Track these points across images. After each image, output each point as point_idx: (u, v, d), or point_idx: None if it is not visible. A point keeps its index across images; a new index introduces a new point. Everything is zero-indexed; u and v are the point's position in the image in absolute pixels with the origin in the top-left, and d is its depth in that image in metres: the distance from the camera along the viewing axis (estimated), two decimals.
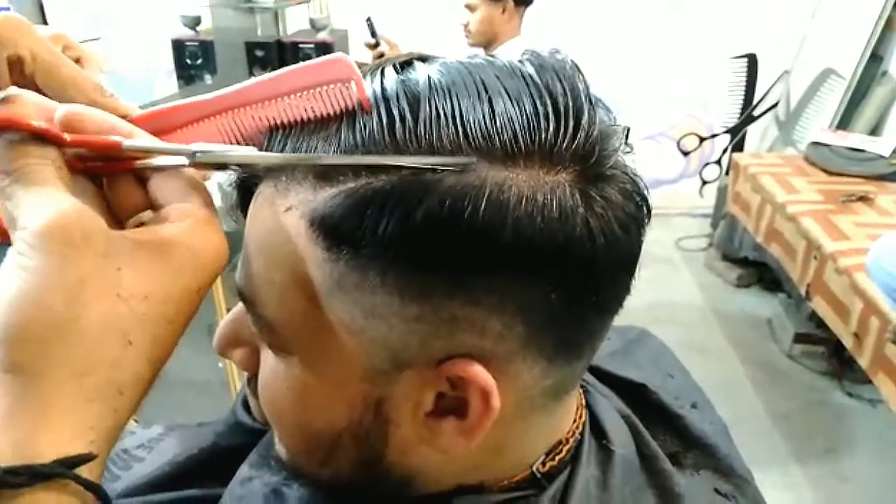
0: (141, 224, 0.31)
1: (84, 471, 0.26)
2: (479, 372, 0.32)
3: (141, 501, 0.50)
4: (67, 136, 0.29)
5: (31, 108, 0.28)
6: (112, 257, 0.27)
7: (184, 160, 0.31)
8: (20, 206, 0.27)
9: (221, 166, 0.32)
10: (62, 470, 0.26)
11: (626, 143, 0.34)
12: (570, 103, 0.31)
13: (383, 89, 0.32)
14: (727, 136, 3.19)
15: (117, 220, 0.32)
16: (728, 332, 2.65)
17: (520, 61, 0.34)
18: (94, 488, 0.27)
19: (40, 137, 0.28)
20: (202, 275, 0.30)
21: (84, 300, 0.26)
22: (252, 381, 0.38)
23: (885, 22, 2.67)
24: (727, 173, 2.88)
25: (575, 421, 0.42)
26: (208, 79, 2.60)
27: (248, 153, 0.32)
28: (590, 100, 0.32)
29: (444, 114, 0.30)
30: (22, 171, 0.27)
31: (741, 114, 3.16)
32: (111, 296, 0.27)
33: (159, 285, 0.28)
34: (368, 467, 0.37)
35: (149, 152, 0.31)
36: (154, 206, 0.31)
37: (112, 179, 0.32)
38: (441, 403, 0.34)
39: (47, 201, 0.27)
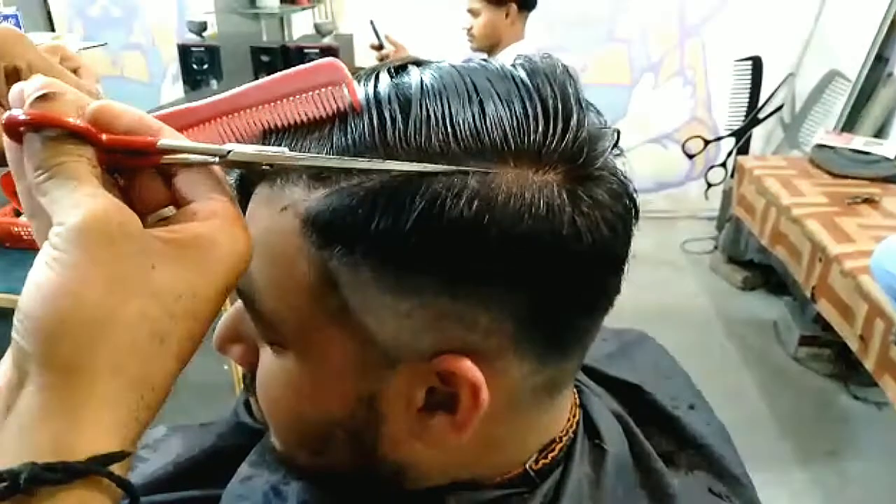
0: (162, 220, 0.31)
1: (116, 468, 0.26)
2: (468, 367, 0.32)
3: (145, 502, 0.51)
4: (104, 137, 0.29)
5: (71, 105, 0.28)
6: (147, 255, 0.27)
7: (212, 157, 0.31)
8: (57, 203, 0.27)
9: (245, 166, 0.32)
10: (99, 467, 0.25)
11: (616, 146, 0.35)
12: (560, 105, 0.32)
13: (376, 92, 0.32)
14: (732, 139, 3.18)
15: (138, 214, 0.32)
16: (733, 335, 2.65)
17: (512, 65, 0.35)
18: (126, 486, 0.27)
19: (77, 135, 0.28)
20: (230, 273, 0.29)
21: (120, 297, 0.26)
22: (249, 378, 0.39)
23: (890, 23, 2.66)
24: (732, 176, 2.88)
25: (569, 420, 0.42)
26: (214, 84, 2.62)
27: (281, 153, 0.32)
28: (580, 103, 0.33)
29: (435, 115, 0.31)
30: (59, 169, 0.27)
31: (746, 116, 3.15)
32: (146, 294, 0.27)
33: (190, 284, 0.28)
34: (361, 460, 0.37)
35: (182, 150, 0.31)
36: (179, 202, 0.31)
37: (135, 174, 0.31)
38: (432, 398, 0.34)
39: (85, 198, 0.27)
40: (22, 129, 0.28)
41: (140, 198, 0.31)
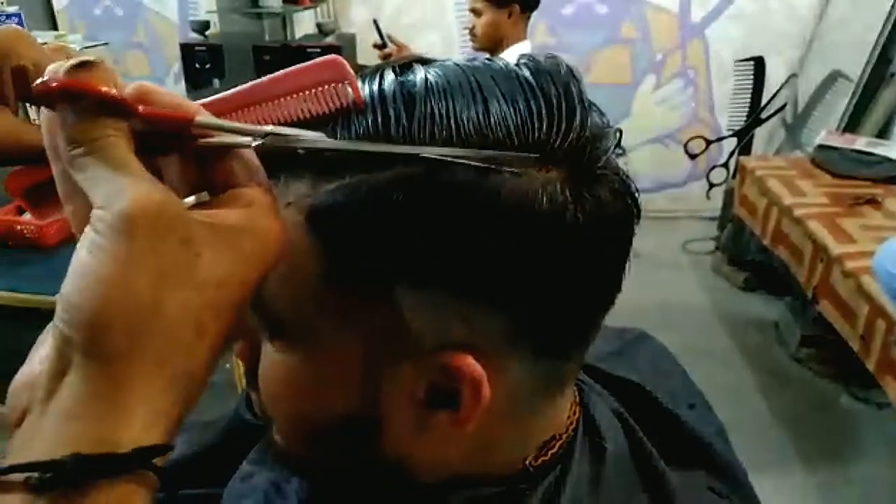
0: (196, 205, 0.30)
1: (157, 461, 0.26)
2: (470, 363, 0.33)
3: None
4: (141, 109, 0.27)
5: (110, 75, 0.27)
6: (191, 244, 0.27)
7: (248, 141, 0.30)
8: (97, 183, 0.26)
9: (279, 150, 0.31)
10: (142, 460, 0.25)
11: (618, 146, 0.35)
12: (564, 104, 0.32)
13: (381, 90, 0.33)
14: (734, 140, 3.18)
15: None
16: (735, 335, 2.65)
17: (517, 65, 0.35)
18: (167, 479, 0.26)
19: (113, 108, 0.27)
20: (266, 263, 0.29)
21: (166, 287, 0.26)
22: (251, 374, 0.39)
23: (893, 24, 2.66)
24: (734, 176, 2.88)
25: (569, 418, 0.42)
26: (216, 83, 2.62)
27: (319, 138, 0.31)
28: (583, 102, 0.33)
29: (439, 113, 0.31)
30: (98, 144, 0.26)
31: (748, 117, 3.15)
32: (190, 284, 0.26)
33: (231, 273, 0.27)
34: (362, 456, 0.37)
35: (220, 129, 0.30)
36: (214, 187, 0.30)
37: (168, 157, 0.31)
38: (434, 394, 0.34)
39: (131, 182, 0.26)
40: (55, 97, 0.27)
41: (173, 182, 0.30)
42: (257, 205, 0.29)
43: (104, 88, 0.26)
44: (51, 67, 0.28)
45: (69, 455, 0.24)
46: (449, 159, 0.30)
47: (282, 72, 0.34)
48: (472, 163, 0.30)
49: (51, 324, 0.29)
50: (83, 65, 0.26)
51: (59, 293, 0.26)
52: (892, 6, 2.64)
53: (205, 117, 0.29)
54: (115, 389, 0.25)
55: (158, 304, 0.26)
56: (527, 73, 0.34)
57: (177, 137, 0.29)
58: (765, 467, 1.79)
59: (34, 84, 0.27)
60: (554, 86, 0.33)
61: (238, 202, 0.29)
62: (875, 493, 1.93)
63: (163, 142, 0.29)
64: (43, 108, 0.28)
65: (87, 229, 0.26)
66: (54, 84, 0.26)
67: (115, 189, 0.26)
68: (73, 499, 0.24)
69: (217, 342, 0.28)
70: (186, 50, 2.66)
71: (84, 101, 0.26)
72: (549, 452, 0.41)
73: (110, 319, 0.25)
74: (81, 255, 0.26)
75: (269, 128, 0.30)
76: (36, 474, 0.24)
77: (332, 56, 0.34)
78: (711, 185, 3.24)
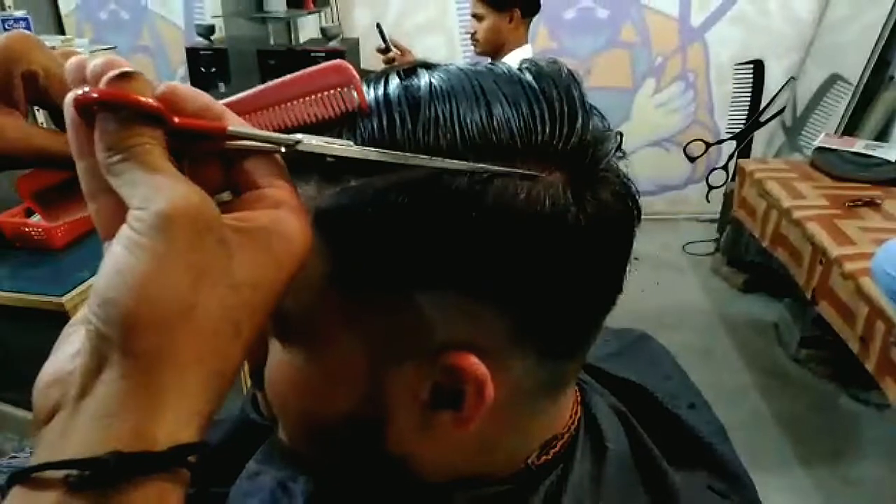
0: (220, 205, 0.30)
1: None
2: (473, 362, 0.33)
3: None
4: (176, 120, 0.28)
5: (148, 86, 0.28)
6: (225, 245, 0.27)
7: (277, 149, 0.31)
8: (134, 185, 0.26)
9: (306, 157, 0.32)
10: (180, 458, 0.25)
11: (619, 149, 0.36)
12: (566, 108, 0.33)
13: (386, 94, 0.33)
14: (733, 142, 3.19)
15: None
16: (734, 337, 2.65)
17: (519, 69, 0.35)
18: (202, 477, 0.26)
19: (150, 116, 0.27)
20: (295, 263, 0.29)
21: (204, 287, 0.26)
22: (257, 374, 0.40)
23: (892, 27, 2.66)
24: (733, 179, 2.88)
25: (571, 417, 0.43)
26: (222, 87, 2.63)
27: (347, 147, 0.32)
28: (584, 106, 0.34)
29: (443, 116, 0.32)
30: (136, 151, 0.27)
31: (747, 120, 3.16)
32: (226, 284, 0.26)
33: (263, 275, 0.28)
34: (367, 455, 0.38)
35: (252, 138, 0.30)
36: (241, 187, 0.31)
37: (197, 158, 0.31)
38: (437, 394, 0.35)
39: (169, 184, 0.26)
40: (96, 107, 0.27)
41: (198, 182, 0.30)
42: (285, 206, 0.29)
43: (142, 99, 0.27)
44: (71, 65, 0.29)
45: (109, 453, 0.24)
46: (462, 169, 0.31)
47: (289, 76, 0.34)
48: (500, 170, 0.31)
49: (73, 321, 0.29)
50: (123, 76, 0.27)
51: (93, 288, 0.26)
52: (892, 9, 2.65)
53: (237, 126, 0.30)
54: (152, 387, 0.25)
55: (197, 302, 0.26)
56: (529, 77, 0.34)
57: (205, 138, 0.30)
58: (764, 468, 1.80)
59: (75, 95, 0.27)
60: (556, 89, 0.34)
61: (264, 203, 0.29)
62: (874, 493, 1.93)
63: (191, 144, 0.30)
64: (68, 108, 0.28)
65: (124, 228, 0.26)
66: (95, 94, 0.27)
67: (154, 190, 0.26)
68: (111, 497, 0.24)
69: (250, 343, 0.28)
70: (192, 54, 2.67)
71: (123, 111, 0.27)
72: (551, 452, 0.41)
73: (149, 317, 0.25)
74: (118, 253, 0.25)
75: (299, 136, 0.31)
76: (75, 472, 0.24)
77: (339, 61, 0.34)
78: (711, 188, 3.25)
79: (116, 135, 0.27)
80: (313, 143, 0.31)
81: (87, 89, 0.27)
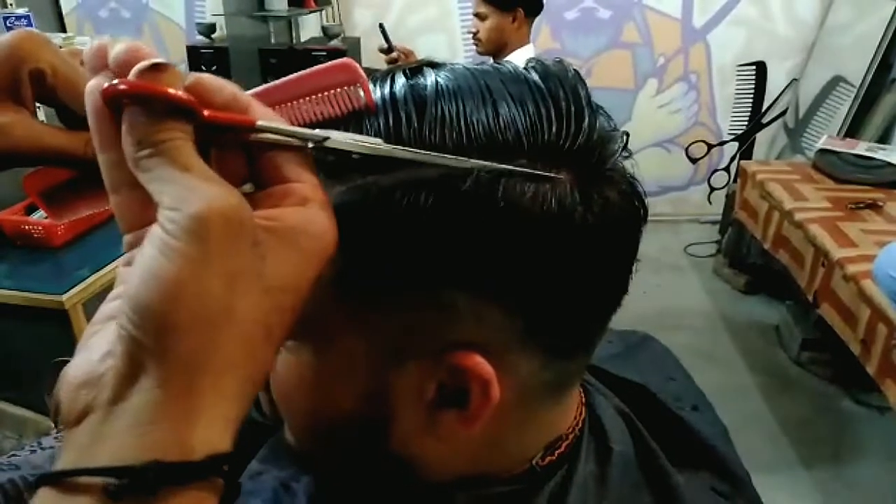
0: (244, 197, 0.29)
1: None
2: (479, 362, 0.33)
3: None
4: (206, 113, 0.27)
5: (179, 78, 0.27)
6: (259, 247, 0.26)
7: (305, 145, 0.30)
8: (166, 184, 0.26)
9: (334, 154, 0.31)
10: (217, 467, 0.25)
11: (625, 149, 0.36)
12: (572, 107, 0.33)
13: (392, 93, 0.33)
14: (735, 144, 3.19)
15: None
16: (736, 339, 2.65)
17: (525, 68, 0.35)
18: (238, 486, 0.26)
19: (180, 110, 0.26)
20: (323, 261, 0.29)
21: (238, 292, 0.25)
22: None
23: (894, 29, 2.66)
24: (735, 180, 2.88)
25: (575, 418, 0.43)
26: None
27: (376, 144, 0.31)
28: (591, 105, 0.34)
29: (449, 115, 0.32)
30: (167, 146, 0.26)
31: (750, 121, 3.16)
32: (259, 288, 0.26)
33: (293, 275, 0.27)
34: (371, 454, 0.38)
35: (281, 133, 0.30)
36: (266, 181, 0.30)
37: (221, 150, 0.30)
38: (442, 393, 0.35)
39: (203, 185, 0.26)
40: (126, 100, 0.26)
41: (223, 174, 0.29)
42: (312, 202, 0.29)
43: (176, 93, 0.26)
44: (91, 51, 0.28)
45: (148, 462, 0.24)
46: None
47: (296, 74, 0.34)
48: (518, 169, 0.31)
49: (95, 320, 0.29)
50: (154, 67, 0.26)
51: (125, 292, 0.25)
52: (894, 12, 2.65)
53: (266, 121, 0.29)
54: (189, 396, 0.25)
55: (232, 307, 0.25)
56: (535, 76, 0.34)
57: (231, 130, 0.29)
58: (765, 470, 1.79)
59: (104, 87, 0.27)
60: (562, 89, 0.33)
61: (291, 199, 0.29)
62: (876, 496, 1.93)
63: (218, 135, 0.29)
64: (89, 99, 0.27)
65: (156, 229, 0.25)
66: (124, 87, 0.26)
67: (187, 190, 0.25)
68: None
69: (279, 346, 0.28)
70: (193, 52, 2.68)
71: (153, 104, 0.26)
72: (556, 452, 0.41)
73: (185, 323, 0.24)
74: (152, 256, 0.25)
75: (327, 132, 0.31)
76: (113, 480, 0.23)
77: (346, 59, 0.34)
78: (713, 189, 3.25)
79: (146, 129, 0.26)
80: (343, 139, 0.31)
81: (114, 81, 0.26)
